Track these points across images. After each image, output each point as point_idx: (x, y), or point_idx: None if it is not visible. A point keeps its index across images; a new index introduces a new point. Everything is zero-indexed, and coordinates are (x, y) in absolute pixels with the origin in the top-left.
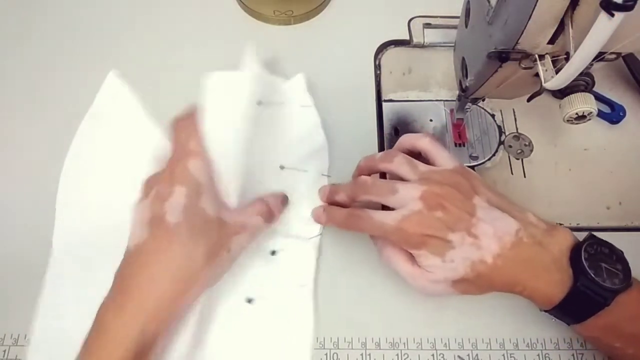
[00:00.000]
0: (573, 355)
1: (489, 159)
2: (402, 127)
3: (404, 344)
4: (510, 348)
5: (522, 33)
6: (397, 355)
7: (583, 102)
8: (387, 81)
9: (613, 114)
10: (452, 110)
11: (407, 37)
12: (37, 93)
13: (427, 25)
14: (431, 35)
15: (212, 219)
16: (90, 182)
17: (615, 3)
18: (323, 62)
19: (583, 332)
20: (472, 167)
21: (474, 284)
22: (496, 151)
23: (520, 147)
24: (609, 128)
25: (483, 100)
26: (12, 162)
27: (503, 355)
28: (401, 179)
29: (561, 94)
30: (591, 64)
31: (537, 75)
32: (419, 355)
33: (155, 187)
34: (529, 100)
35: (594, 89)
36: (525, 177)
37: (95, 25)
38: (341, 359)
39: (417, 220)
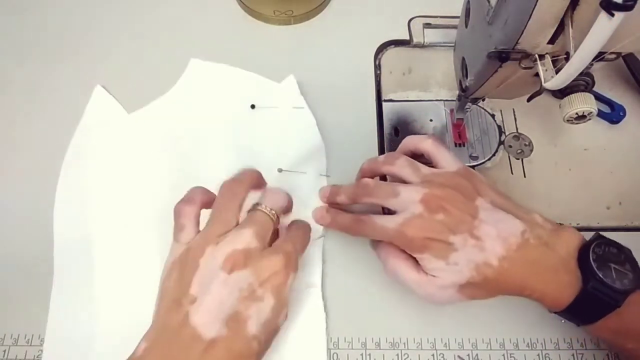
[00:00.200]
0: (573, 355)
1: (489, 159)
2: (402, 127)
3: (404, 344)
4: (510, 348)
5: (522, 33)
6: (397, 355)
7: (583, 102)
8: (387, 81)
9: (613, 114)
10: (452, 110)
11: (407, 37)
12: (37, 93)
13: (427, 25)
14: (431, 35)
15: (278, 331)
16: (86, 193)
17: (615, 3)
18: (323, 62)
19: (594, 333)
20: (472, 167)
21: (481, 288)
22: (496, 151)
23: (520, 147)
24: (609, 128)
25: (483, 100)
26: (12, 162)
27: (503, 355)
28: (404, 181)
29: (561, 94)
30: (591, 64)
31: (537, 75)
32: (419, 355)
33: (244, 270)
34: (529, 100)
35: (594, 89)
36: (525, 177)
37: (95, 25)
38: (341, 359)
39: (418, 224)
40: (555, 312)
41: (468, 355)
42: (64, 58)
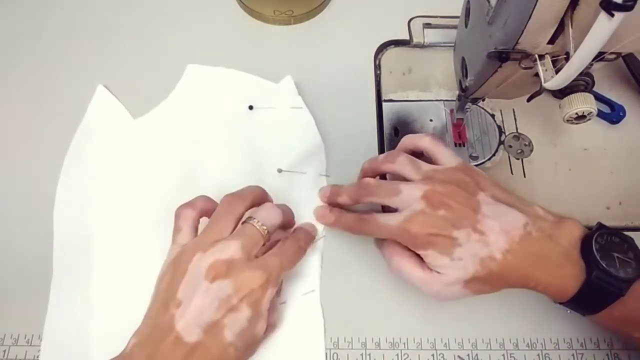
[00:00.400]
0: (573, 355)
1: (489, 159)
2: (402, 127)
3: (404, 344)
4: (510, 348)
5: (522, 33)
6: (397, 355)
7: (583, 102)
8: (387, 81)
9: (613, 114)
10: (452, 110)
11: (407, 37)
12: (38, 92)
13: (427, 25)
14: (431, 35)
15: (259, 340)
16: (86, 193)
17: (615, 3)
18: (323, 62)
19: (599, 322)
20: None
21: (486, 282)
22: (496, 151)
23: (520, 147)
24: (609, 128)
25: (483, 100)
26: (12, 162)
27: (503, 355)
28: (405, 179)
29: (561, 94)
30: (591, 64)
31: (537, 75)
32: (419, 355)
33: (222, 280)
34: (529, 100)
35: (594, 89)
36: (525, 177)
37: (96, 24)
38: (341, 359)
39: (420, 221)
40: (560, 303)
41: (468, 355)
42: (65, 57)
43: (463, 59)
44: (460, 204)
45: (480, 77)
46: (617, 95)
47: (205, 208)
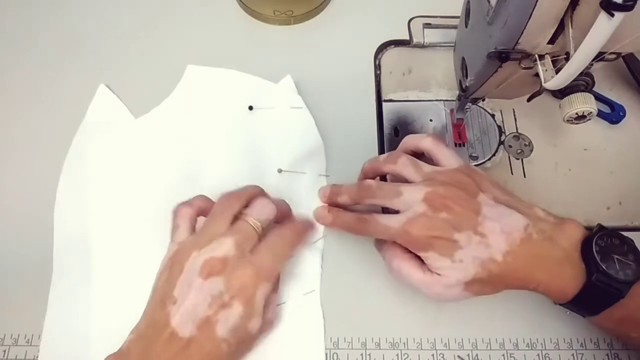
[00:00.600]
0: (573, 355)
1: (489, 159)
2: (402, 127)
3: (404, 344)
4: (510, 348)
5: (522, 33)
6: (397, 355)
7: (583, 102)
8: (387, 81)
9: (613, 114)
10: (452, 110)
11: (407, 37)
12: (39, 92)
13: (427, 25)
14: (431, 35)
15: (253, 336)
16: (87, 193)
17: (615, 3)
18: (323, 62)
19: (599, 323)
20: None
21: (487, 283)
22: (496, 151)
23: (520, 147)
24: (609, 128)
25: (483, 100)
26: (12, 162)
27: (503, 355)
28: (406, 180)
29: (561, 94)
30: (591, 64)
31: (537, 75)
32: (419, 355)
33: (216, 277)
34: (529, 100)
35: (594, 89)
36: (525, 177)
37: (96, 25)
38: (341, 359)
39: (422, 223)
40: (560, 304)
41: (468, 355)
42: (66, 57)
43: (463, 59)
44: (462, 206)
45: (480, 77)
46: (617, 95)
47: (203, 207)
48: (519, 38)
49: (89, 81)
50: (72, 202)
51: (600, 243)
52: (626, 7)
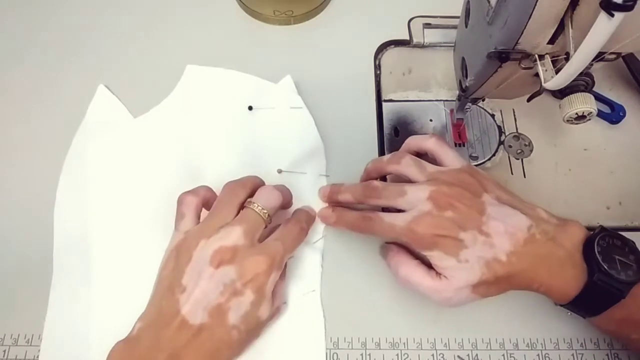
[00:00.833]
0: (573, 355)
1: (489, 159)
2: (402, 127)
3: (404, 344)
4: (510, 348)
5: (522, 33)
6: (397, 355)
7: (583, 102)
8: (387, 81)
9: (613, 114)
10: (452, 110)
11: (407, 37)
12: (38, 92)
13: (427, 25)
14: (431, 35)
15: (262, 323)
16: (87, 193)
17: (615, 3)
18: (323, 62)
19: (599, 324)
20: None
21: (492, 284)
22: (496, 151)
23: (520, 147)
24: (609, 128)
25: (483, 100)
26: (12, 162)
27: (503, 355)
28: (409, 180)
29: (561, 94)
30: (591, 64)
31: (537, 75)
32: (419, 355)
33: (227, 266)
34: (529, 100)
35: (594, 89)
36: (525, 177)
37: (96, 25)
38: (341, 359)
39: (427, 221)
40: (561, 305)
41: (468, 355)
42: (66, 57)
43: (463, 59)
44: (466, 205)
45: (480, 77)
46: (617, 95)
47: (207, 197)
48: (519, 38)
49: (89, 81)
50: (72, 202)
51: (602, 244)
52: (626, 7)
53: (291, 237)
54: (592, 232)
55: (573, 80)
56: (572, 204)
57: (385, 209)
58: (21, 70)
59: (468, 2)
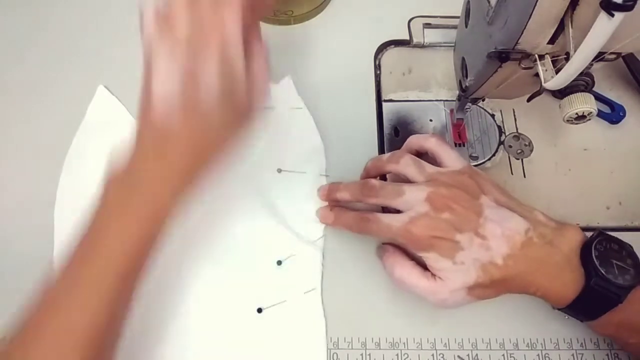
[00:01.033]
0: (573, 355)
1: (489, 159)
2: (402, 127)
3: (404, 344)
4: (510, 348)
5: (522, 33)
6: (397, 355)
7: (583, 102)
8: (387, 81)
9: (613, 114)
10: (452, 110)
11: (407, 37)
12: (38, 92)
13: (427, 25)
14: (431, 35)
15: (241, 87)
16: (87, 193)
17: (615, 3)
18: (323, 62)
19: (597, 329)
20: None
21: (488, 287)
22: (496, 151)
23: (520, 147)
24: (609, 128)
25: (483, 100)
26: (12, 162)
27: (503, 355)
28: (408, 180)
29: (561, 94)
30: (591, 64)
31: (537, 75)
32: (419, 355)
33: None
34: (529, 100)
35: (594, 89)
36: (525, 177)
37: (95, 25)
38: (341, 359)
39: (424, 222)
40: (559, 309)
41: (468, 355)
42: (66, 58)
43: (463, 59)
44: (464, 207)
45: (480, 77)
46: (617, 95)
47: None
48: (519, 38)
49: (88, 81)
50: (72, 202)
51: (599, 248)
52: (626, 7)
53: None
54: (589, 236)
55: (573, 80)
56: (572, 204)
57: (385, 209)
58: (21, 70)
59: (468, 2)
